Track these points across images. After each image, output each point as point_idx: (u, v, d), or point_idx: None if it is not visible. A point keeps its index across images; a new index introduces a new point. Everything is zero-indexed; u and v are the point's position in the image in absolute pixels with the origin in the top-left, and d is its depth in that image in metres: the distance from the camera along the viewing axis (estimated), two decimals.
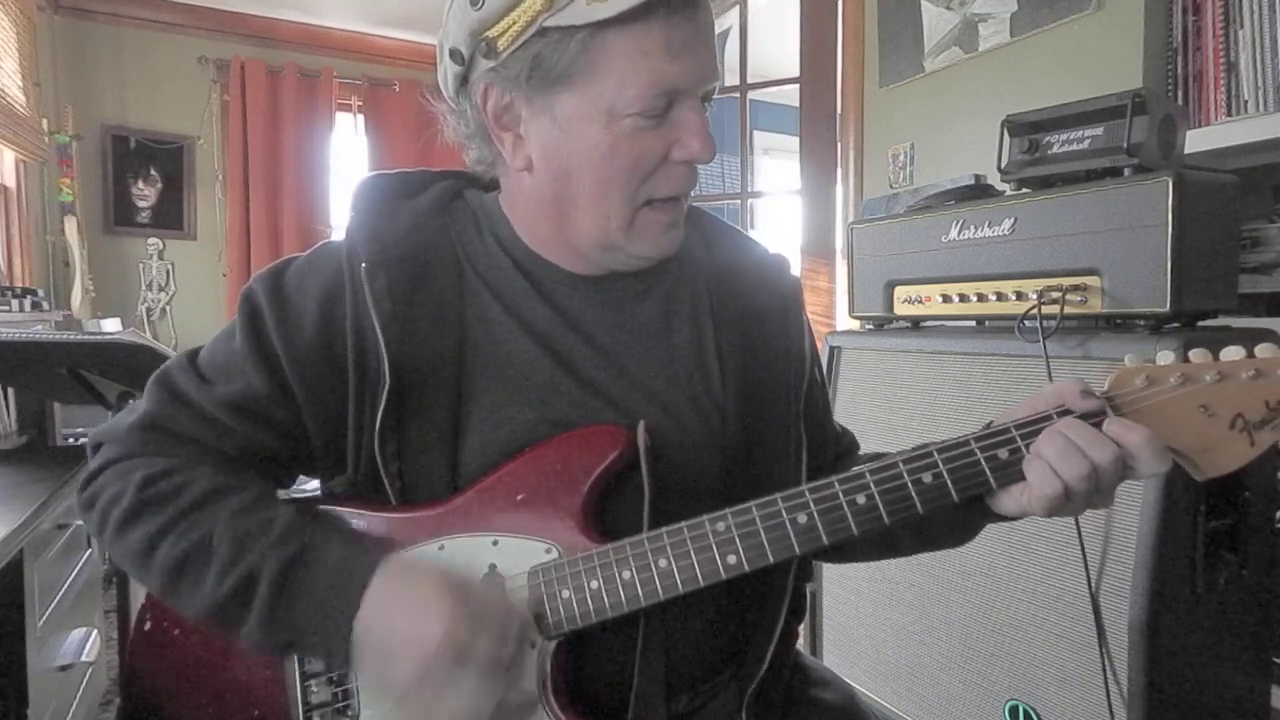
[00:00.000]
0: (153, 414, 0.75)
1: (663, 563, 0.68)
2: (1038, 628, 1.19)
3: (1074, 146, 1.26)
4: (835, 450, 0.92)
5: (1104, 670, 1.08)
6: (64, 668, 1.61)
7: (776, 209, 3.51)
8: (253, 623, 0.66)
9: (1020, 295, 1.26)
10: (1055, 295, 1.17)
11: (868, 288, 1.55)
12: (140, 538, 0.69)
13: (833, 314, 2.76)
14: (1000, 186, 1.42)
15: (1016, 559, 1.22)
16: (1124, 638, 1.05)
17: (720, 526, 0.68)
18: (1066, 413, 0.68)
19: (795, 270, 0.93)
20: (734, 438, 0.79)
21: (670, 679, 0.74)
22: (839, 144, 2.69)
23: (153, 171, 3.83)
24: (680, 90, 0.70)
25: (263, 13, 3.92)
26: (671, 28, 0.68)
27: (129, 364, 1.45)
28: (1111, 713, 1.07)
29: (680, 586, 0.68)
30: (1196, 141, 1.48)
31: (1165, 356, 0.68)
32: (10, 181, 3.20)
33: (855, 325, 1.66)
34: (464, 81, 0.76)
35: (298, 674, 0.74)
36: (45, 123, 3.32)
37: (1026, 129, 1.32)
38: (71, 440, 2.36)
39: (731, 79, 2.94)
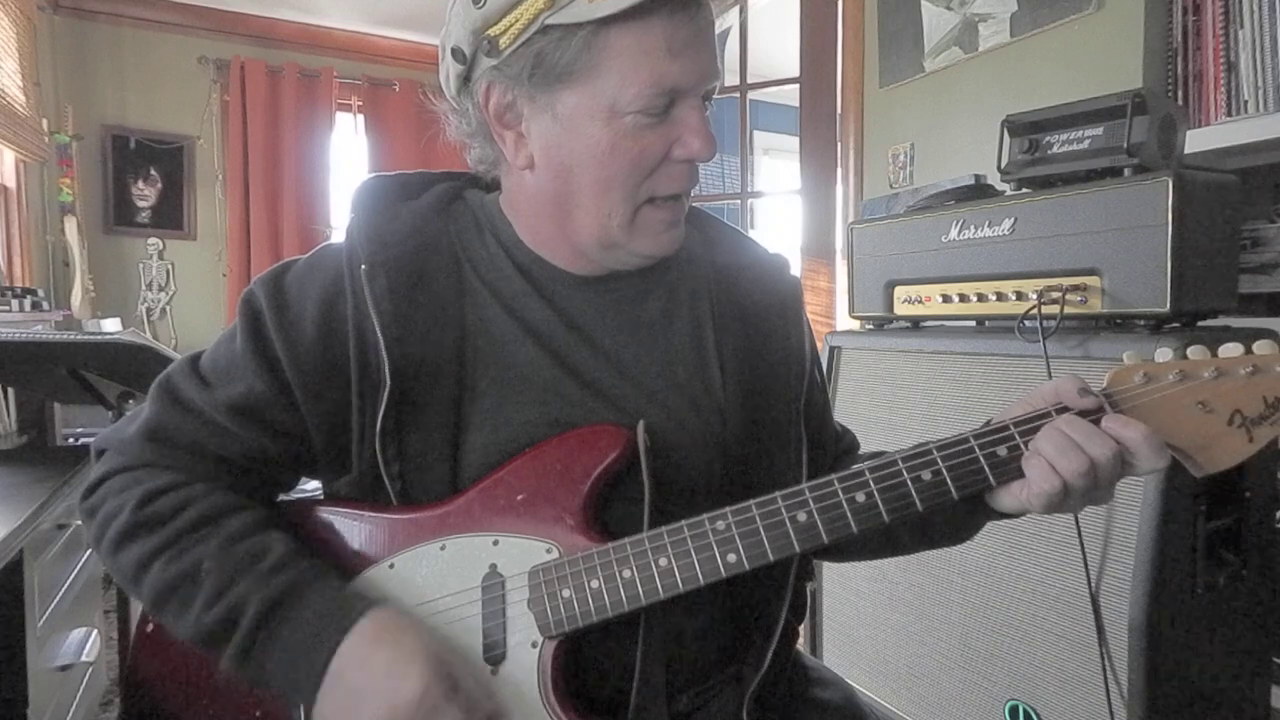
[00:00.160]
0: (156, 420, 0.75)
1: (663, 562, 0.68)
2: (1038, 628, 1.19)
3: (1074, 146, 1.26)
4: (835, 449, 0.92)
5: (1104, 670, 1.08)
6: (64, 668, 1.61)
7: (776, 209, 3.51)
8: (231, 655, 0.66)
9: (1020, 295, 1.26)
10: (1055, 295, 1.17)
11: (868, 288, 1.55)
12: (133, 557, 0.69)
13: (833, 314, 2.76)
14: (1000, 186, 1.42)
15: (1016, 559, 1.22)
16: (1124, 638, 1.05)
17: (720, 525, 0.68)
18: (1065, 410, 0.68)
19: (795, 270, 0.93)
20: (734, 438, 0.79)
21: (671, 678, 0.74)
22: (839, 144, 2.69)
23: (153, 171, 3.83)
24: (681, 89, 0.70)
25: (263, 13, 3.92)
26: (673, 26, 0.68)
27: (129, 364, 1.45)
28: (1111, 713, 1.07)
29: (680, 585, 0.68)
30: (1196, 141, 1.48)
31: (1164, 354, 0.68)
32: (10, 181, 3.20)
33: (855, 325, 1.66)
34: (466, 80, 0.76)
35: None
36: (45, 123, 3.32)
37: (1026, 129, 1.32)
38: (71, 440, 2.36)
39: (731, 79, 2.94)
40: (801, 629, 0.92)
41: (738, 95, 2.97)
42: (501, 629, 0.71)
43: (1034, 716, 1.19)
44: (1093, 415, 0.67)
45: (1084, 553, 1.10)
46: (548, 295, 0.79)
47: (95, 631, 1.83)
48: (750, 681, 0.78)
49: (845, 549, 0.85)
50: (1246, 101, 1.51)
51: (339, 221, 4.02)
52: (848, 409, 1.58)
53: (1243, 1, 1.51)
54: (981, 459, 0.68)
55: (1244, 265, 1.43)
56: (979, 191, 1.43)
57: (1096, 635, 1.09)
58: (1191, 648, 1.08)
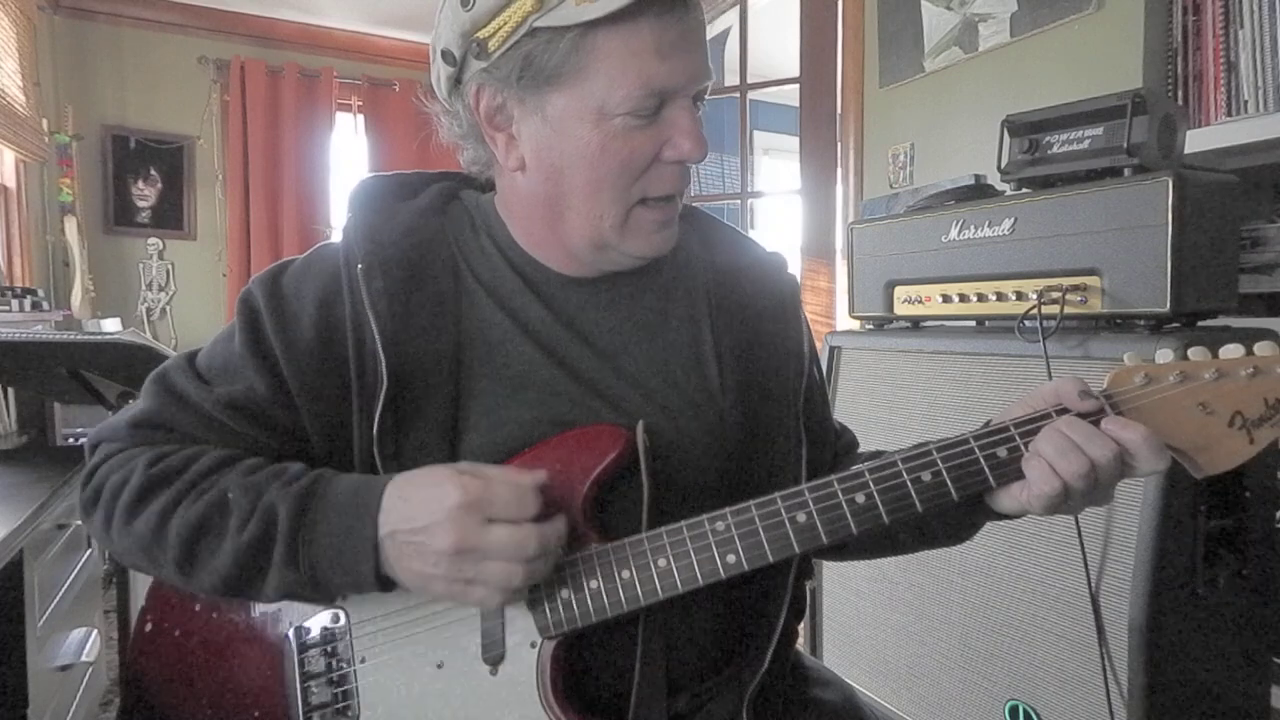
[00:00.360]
0: (150, 412, 0.75)
1: (662, 562, 0.68)
2: (1038, 628, 1.19)
3: (1074, 146, 1.26)
4: (835, 449, 0.92)
5: (1104, 670, 1.08)
6: (64, 668, 1.61)
7: (776, 209, 3.51)
8: (277, 561, 0.65)
9: (1020, 295, 1.26)
10: (1055, 295, 1.17)
11: (868, 288, 1.55)
12: (152, 514, 0.68)
13: (833, 314, 2.76)
14: (1000, 186, 1.42)
15: (1016, 559, 1.22)
16: (1124, 638, 1.05)
17: (719, 526, 0.68)
18: (1065, 411, 0.68)
19: (794, 270, 0.93)
20: (733, 437, 0.79)
21: (671, 678, 0.74)
22: (839, 144, 2.69)
23: (153, 171, 3.83)
24: (670, 90, 0.70)
25: (263, 13, 3.92)
26: (661, 28, 0.68)
27: (129, 364, 1.45)
28: (1111, 713, 1.07)
29: (679, 586, 0.68)
30: (1196, 141, 1.48)
31: (1164, 355, 0.68)
32: (10, 181, 3.20)
33: (855, 325, 1.66)
34: (457, 83, 0.76)
35: (298, 675, 0.74)
36: (45, 123, 3.32)
37: (1026, 129, 1.32)
38: (71, 440, 2.36)
39: (731, 79, 2.95)
40: (801, 629, 0.92)
41: (738, 95, 2.97)
42: (500, 629, 0.71)
43: (1034, 716, 1.19)
44: (1093, 417, 0.67)
45: (1084, 553, 1.10)
46: (544, 295, 0.79)
47: (95, 631, 1.83)
48: (750, 682, 0.78)
49: (844, 549, 0.85)
50: (1246, 101, 1.51)
51: (339, 221, 4.01)
52: (848, 409, 1.57)
53: (1243, 1, 1.51)
54: (981, 460, 0.68)
55: (1244, 265, 1.43)
56: (979, 191, 1.43)
57: (1096, 635, 1.09)
58: (1191, 648, 1.08)
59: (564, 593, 0.69)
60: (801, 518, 0.68)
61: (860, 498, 0.68)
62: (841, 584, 1.60)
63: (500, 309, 0.77)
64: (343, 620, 0.75)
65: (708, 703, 0.78)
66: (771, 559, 0.68)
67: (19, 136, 2.99)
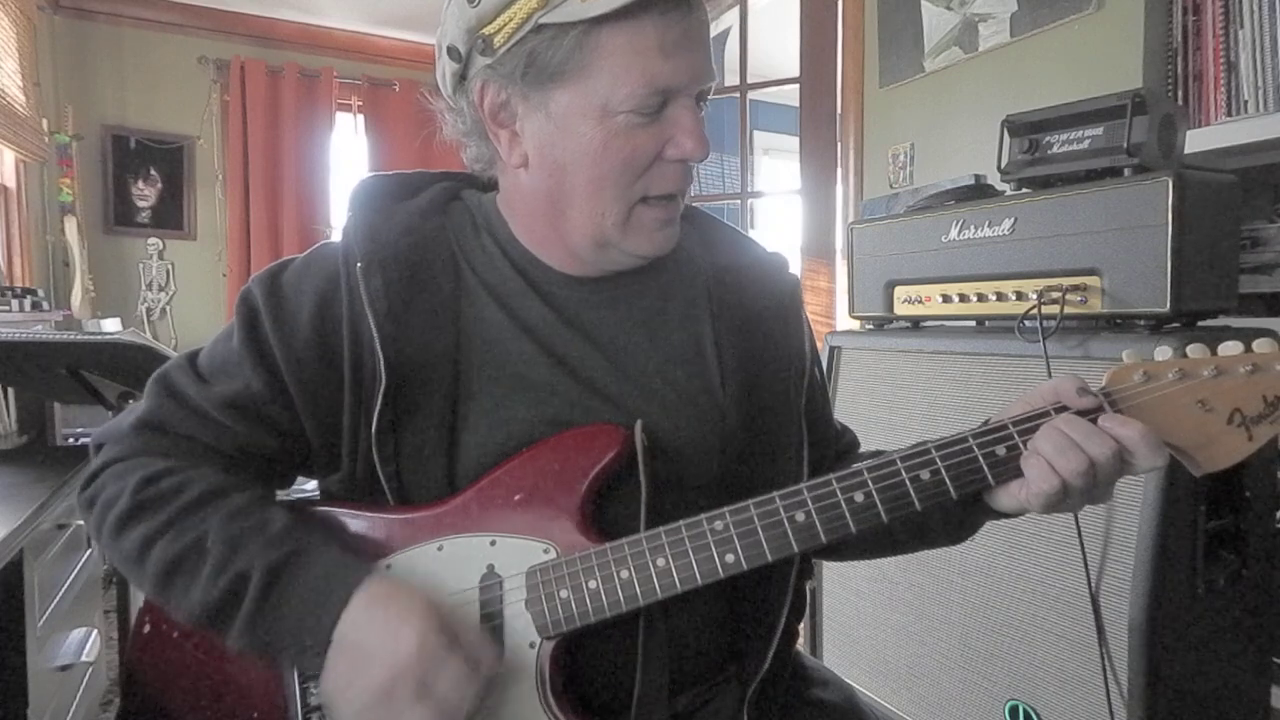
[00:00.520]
0: (152, 413, 0.75)
1: (661, 562, 0.68)
2: (1038, 628, 1.19)
3: (1074, 146, 1.26)
4: (836, 449, 0.92)
5: (1104, 670, 1.08)
6: (64, 668, 1.61)
7: (776, 209, 3.51)
8: (239, 624, 0.66)
9: (1020, 295, 1.26)
10: (1055, 295, 1.17)
11: (868, 288, 1.55)
12: (136, 539, 0.69)
13: (833, 314, 2.76)
14: (1000, 186, 1.42)
15: (1016, 559, 1.22)
16: (1124, 638, 1.05)
17: (718, 525, 0.68)
18: (1064, 409, 0.68)
19: (795, 270, 0.93)
20: (733, 437, 0.79)
21: (671, 678, 0.74)
22: (839, 144, 2.69)
23: (153, 171, 3.83)
24: (673, 89, 0.70)
25: (263, 13, 3.92)
26: (665, 26, 0.68)
27: (129, 364, 1.45)
28: (1111, 713, 1.07)
29: (678, 586, 0.68)
30: (1196, 141, 1.48)
31: (1163, 353, 0.68)
32: (10, 181, 3.20)
33: (855, 325, 1.66)
34: (461, 79, 0.76)
35: (297, 676, 0.74)
36: (45, 123, 3.32)
37: (1026, 129, 1.32)
38: (71, 440, 2.36)
39: (731, 79, 2.94)
40: (801, 629, 0.92)
41: (738, 95, 2.97)
42: (499, 629, 0.71)
43: (1034, 716, 1.19)
44: (1091, 414, 0.67)
45: (1084, 553, 1.10)
46: (545, 294, 0.79)
47: (95, 631, 1.83)
48: (750, 681, 0.78)
49: (844, 548, 0.85)
50: (1246, 101, 1.51)
51: (339, 221, 4.01)
52: (848, 409, 1.57)
53: (1243, 1, 1.51)
54: (980, 458, 0.68)
55: (1244, 265, 1.43)
56: (979, 191, 1.43)
57: (1096, 635, 1.09)
58: (1191, 647, 1.08)
59: (563, 593, 0.69)
60: (800, 517, 0.68)
61: (859, 497, 0.68)
62: (841, 584, 1.60)
63: (500, 308, 0.77)
64: None
65: (708, 702, 0.78)
66: (770, 558, 0.68)
67: (19, 136, 2.99)
